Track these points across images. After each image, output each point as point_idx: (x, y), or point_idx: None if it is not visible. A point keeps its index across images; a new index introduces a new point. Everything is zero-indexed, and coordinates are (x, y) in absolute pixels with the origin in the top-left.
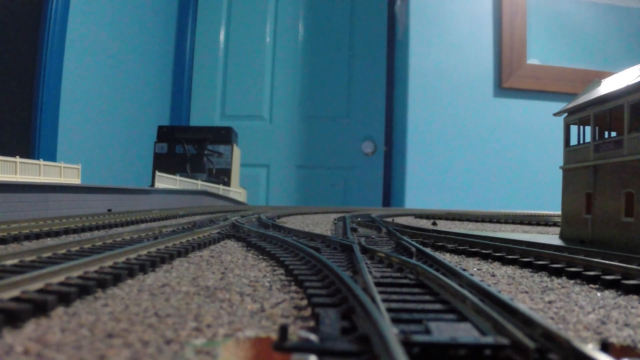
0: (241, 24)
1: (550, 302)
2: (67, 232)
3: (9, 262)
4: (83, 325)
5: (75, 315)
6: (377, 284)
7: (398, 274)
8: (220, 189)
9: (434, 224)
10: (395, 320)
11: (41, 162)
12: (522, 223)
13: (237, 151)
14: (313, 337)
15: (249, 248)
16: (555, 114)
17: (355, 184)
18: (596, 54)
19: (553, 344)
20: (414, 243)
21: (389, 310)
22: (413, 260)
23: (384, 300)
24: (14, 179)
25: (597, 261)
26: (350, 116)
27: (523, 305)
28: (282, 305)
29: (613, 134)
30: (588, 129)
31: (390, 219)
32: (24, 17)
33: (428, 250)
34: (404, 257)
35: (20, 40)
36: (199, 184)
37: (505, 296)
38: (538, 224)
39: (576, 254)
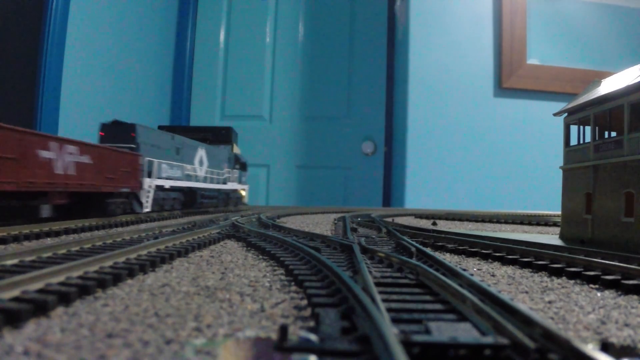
0: (241, 24)
1: (550, 302)
2: (67, 232)
3: (9, 262)
4: (83, 325)
5: (75, 315)
6: (377, 284)
7: (398, 274)
8: None
9: (434, 224)
10: (395, 320)
11: None
12: (522, 223)
13: (237, 151)
14: (313, 337)
15: (249, 248)
16: (555, 114)
17: (355, 184)
18: (596, 54)
19: (553, 344)
20: (414, 243)
21: (389, 310)
22: (413, 260)
23: (384, 300)
24: None
25: (597, 261)
26: (350, 116)
27: (523, 305)
28: (282, 305)
29: (613, 134)
30: (588, 129)
31: (390, 219)
32: (24, 17)
33: (428, 250)
34: (404, 257)
35: (21, 40)
36: None
37: (505, 296)
38: (538, 224)
39: (576, 254)
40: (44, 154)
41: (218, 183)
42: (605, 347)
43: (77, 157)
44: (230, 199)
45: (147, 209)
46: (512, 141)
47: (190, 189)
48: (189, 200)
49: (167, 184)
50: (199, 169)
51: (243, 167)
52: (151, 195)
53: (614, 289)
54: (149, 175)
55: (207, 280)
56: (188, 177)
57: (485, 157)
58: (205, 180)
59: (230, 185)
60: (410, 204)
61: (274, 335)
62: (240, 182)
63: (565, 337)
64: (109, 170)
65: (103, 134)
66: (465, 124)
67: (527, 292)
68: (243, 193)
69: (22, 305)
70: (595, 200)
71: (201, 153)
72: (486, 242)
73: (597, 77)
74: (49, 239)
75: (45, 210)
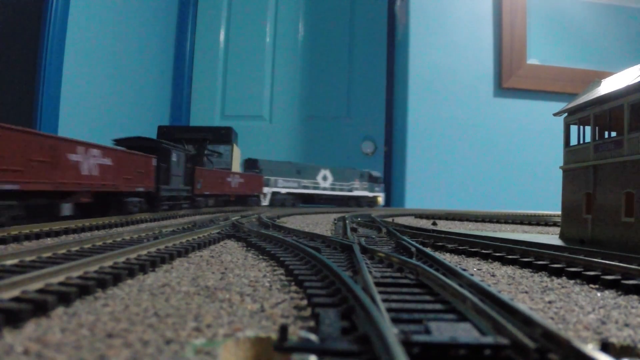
0: (241, 24)
1: (550, 302)
2: (66, 232)
3: (9, 262)
4: (83, 325)
5: (75, 315)
6: (377, 284)
7: (398, 274)
8: None
9: (434, 224)
10: (395, 320)
11: None
12: (522, 223)
13: (237, 151)
14: (313, 337)
15: (249, 248)
16: (555, 114)
17: None
18: (596, 54)
19: (553, 344)
20: (414, 243)
21: (389, 310)
22: (413, 260)
23: (384, 300)
24: None
25: (597, 261)
26: (350, 116)
27: (523, 305)
28: (282, 305)
29: (613, 134)
30: (588, 129)
31: (390, 219)
32: (23, 18)
33: (428, 250)
34: (404, 257)
35: (21, 40)
36: None
37: (505, 296)
38: (538, 224)
39: (576, 254)
40: (228, 178)
41: (342, 191)
42: (605, 347)
43: (239, 179)
44: (360, 202)
45: (265, 203)
46: (512, 141)
47: (306, 194)
48: (307, 201)
49: (283, 190)
50: (321, 182)
51: (375, 180)
52: (268, 196)
53: (614, 289)
54: (267, 185)
55: (207, 280)
56: (305, 187)
57: (485, 157)
58: (325, 189)
59: (356, 193)
60: (410, 204)
61: (274, 335)
62: (373, 191)
63: (565, 337)
64: (250, 184)
65: (246, 166)
66: (465, 124)
67: (527, 292)
68: (379, 199)
69: (22, 305)
70: (595, 200)
71: (324, 172)
72: (486, 242)
73: (597, 77)
74: (49, 239)
75: (200, 203)
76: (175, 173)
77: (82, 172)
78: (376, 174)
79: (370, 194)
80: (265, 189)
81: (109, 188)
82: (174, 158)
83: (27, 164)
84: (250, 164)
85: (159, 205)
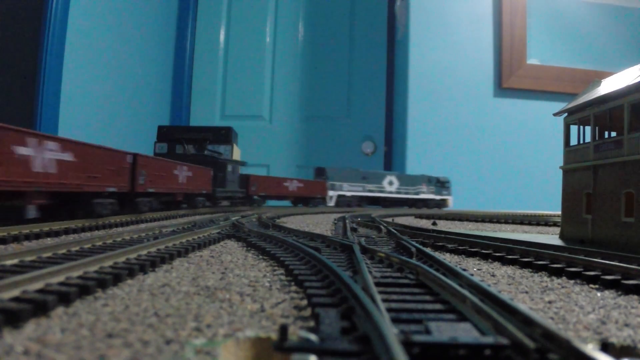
0: (241, 24)
1: (550, 302)
2: (67, 232)
3: (9, 262)
4: (83, 325)
5: (75, 315)
6: (377, 284)
7: (398, 274)
8: None
9: (434, 224)
10: (395, 320)
11: None
12: (522, 223)
13: (237, 151)
14: (313, 337)
15: (249, 248)
16: (555, 114)
17: None
18: (596, 54)
19: (553, 344)
20: (414, 243)
21: (389, 310)
22: (413, 260)
23: (384, 300)
24: None
25: (597, 261)
26: (350, 116)
27: (523, 305)
28: (282, 305)
29: (613, 134)
30: (588, 129)
31: (390, 219)
32: (24, 17)
33: (428, 250)
34: (404, 257)
35: (21, 40)
36: None
37: (505, 296)
38: (538, 224)
39: (576, 254)
40: (285, 183)
41: (407, 194)
42: (605, 347)
43: (298, 184)
44: (427, 204)
45: (330, 204)
46: (512, 141)
47: (370, 197)
48: (371, 202)
49: (348, 194)
50: (387, 187)
51: (442, 185)
52: (334, 199)
53: (614, 289)
54: (333, 189)
55: (207, 280)
56: (370, 191)
57: (485, 157)
58: (391, 192)
59: (423, 196)
60: None
61: (274, 335)
62: (440, 194)
63: (565, 337)
64: (311, 188)
65: (315, 174)
66: (465, 124)
67: (527, 292)
68: (448, 201)
69: (22, 305)
70: (595, 200)
71: (390, 178)
72: (486, 242)
73: (597, 77)
74: (49, 239)
75: (260, 201)
76: (230, 179)
77: (179, 181)
78: (443, 178)
79: (438, 197)
80: (331, 192)
81: (189, 191)
82: (229, 169)
83: (155, 177)
84: (319, 172)
85: (214, 202)
